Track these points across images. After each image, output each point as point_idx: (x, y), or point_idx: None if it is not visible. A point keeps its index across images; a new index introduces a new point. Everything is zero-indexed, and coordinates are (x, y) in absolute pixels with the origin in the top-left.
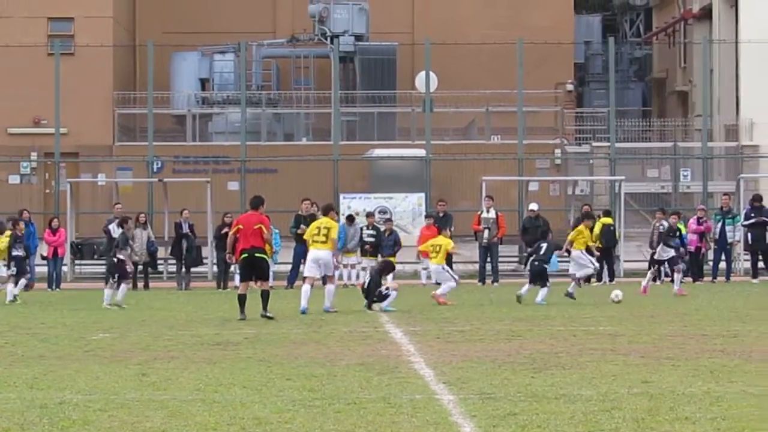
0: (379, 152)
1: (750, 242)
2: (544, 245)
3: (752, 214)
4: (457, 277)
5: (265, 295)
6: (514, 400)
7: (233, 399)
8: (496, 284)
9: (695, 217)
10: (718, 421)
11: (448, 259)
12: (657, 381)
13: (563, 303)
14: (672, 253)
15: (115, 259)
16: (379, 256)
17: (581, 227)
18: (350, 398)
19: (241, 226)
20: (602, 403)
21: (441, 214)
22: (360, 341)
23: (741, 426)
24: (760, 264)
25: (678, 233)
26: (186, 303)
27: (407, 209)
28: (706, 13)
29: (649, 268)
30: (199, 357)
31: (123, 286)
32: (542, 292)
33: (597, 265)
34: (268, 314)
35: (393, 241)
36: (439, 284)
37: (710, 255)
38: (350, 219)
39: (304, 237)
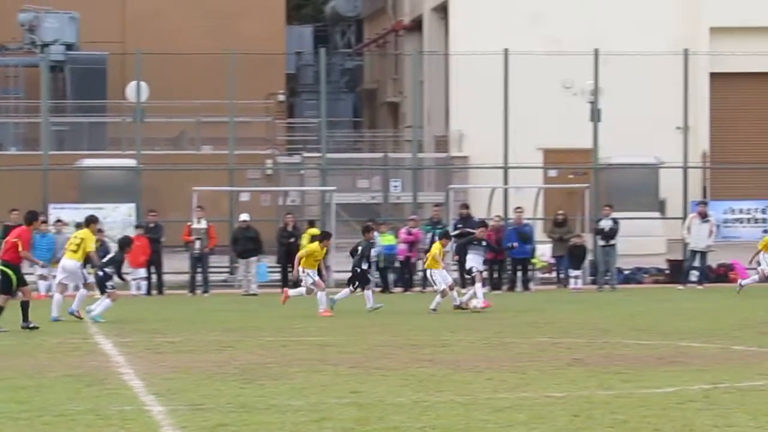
0: (89, 162)
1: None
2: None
3: (459, 225)
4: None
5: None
6: (224, 411)
7: None
8: (206, 294)
9: (406, 227)
10: (427, 430)
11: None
12: (366, 391)
13: (277, 315)
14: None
15: None
16: None
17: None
18: (59, 410)
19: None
20: (312, 413)
21: (152, 225)
22: (69, 352)
23: None
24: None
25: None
26: None
27: (118, 220)
28: (417, 25)
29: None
30: None
31: None
32: (343, 294)
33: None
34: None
35: (104, 253)
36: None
37: (420, 266)
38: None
39: None
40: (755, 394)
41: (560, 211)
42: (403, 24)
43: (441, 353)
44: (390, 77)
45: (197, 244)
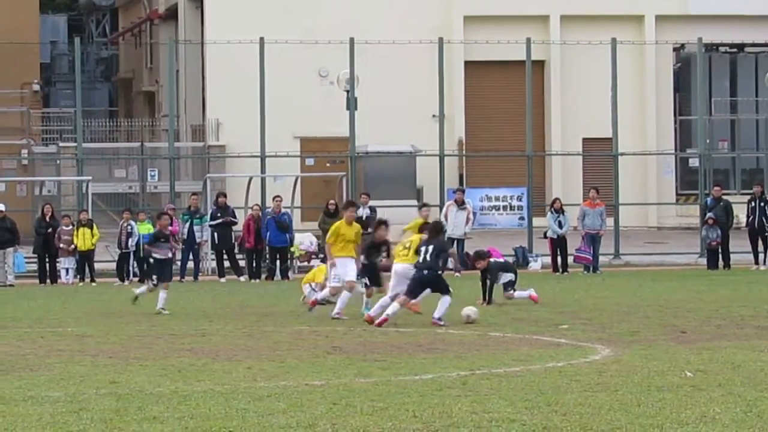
0: None
1: (216, 242)
2: None
3: (218, 214)
4: None
5: None
6: None
7: None
8: None
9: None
10: (186, 419)
11: None
12: (125, 381)
13: (34, 306)
14: None
15: None
16: None
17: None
18: None
19: None
20: (70, 404)
21: None
22: None
23: (209, 424)
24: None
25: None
26: None
27: None
28: (173, 14)
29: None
30: None
31: None
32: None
33: None
34: None
35: None
36: None
37: (179, 255)
38: None
39: None
40: (512, 380)
41: (331, 201)
42: (158, 13)
43: (200, 343)
44: (146, 66)
45: None
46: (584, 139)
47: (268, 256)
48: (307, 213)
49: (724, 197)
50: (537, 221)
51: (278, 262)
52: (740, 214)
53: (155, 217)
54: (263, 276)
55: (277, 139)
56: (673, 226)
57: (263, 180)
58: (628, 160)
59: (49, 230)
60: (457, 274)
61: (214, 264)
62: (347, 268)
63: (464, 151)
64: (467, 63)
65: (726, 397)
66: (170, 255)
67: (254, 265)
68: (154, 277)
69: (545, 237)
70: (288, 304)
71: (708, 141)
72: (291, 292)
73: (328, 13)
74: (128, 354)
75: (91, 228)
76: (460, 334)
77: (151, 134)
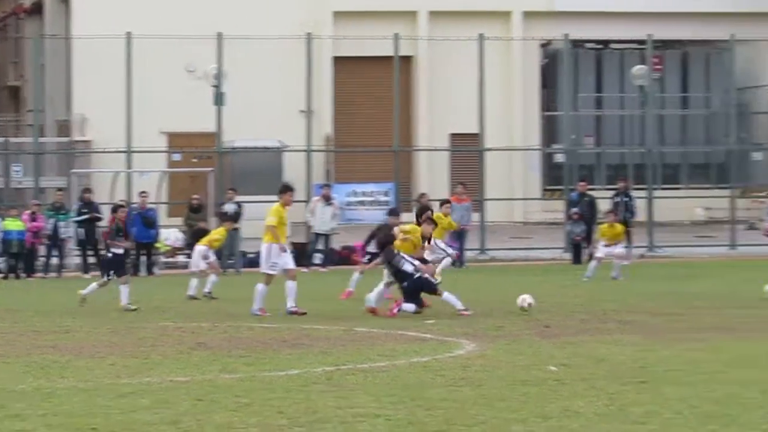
0: None
1: (82, 238)
2: None
3: (84, 210)
4: None
5: None
6: None
7: None
8: None
9: (28, 212)
10: (49, 416)
11: None
12: None
13: None
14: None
15: None
16: None
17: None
18: None
19: None
20: None
21: None
22: None
23: (72, 421)
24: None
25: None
26: None
27: None
28: (38, 8)
29: None
30: None
31: None
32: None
33: None
34: None
35: None
36: None
37: (43, 251)
38: None
39: None
40: (377, 375)
41: (195, 196)
42: (24, 7)
43: (64, 339)
44: (10, 61)
45: None
46: (451, 135)
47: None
48: (173, 209)
49: (589, 192)
50: (404, 216)
51: (144, 257)
52: (604, 209)
53: (111, 210)
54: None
55: (143, 134)
56: (539, 221)
57: (129, 175)
58: (494, 155)
59: None
60: (323, 269)
61: (78, 260)
62: (286, 257)
63: (332, 147)
64: (336, 58)
65: (589, 391)
66: (125, 250)
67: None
68: (111, 272)
69: None
70: (153, 300)
71: (574, 137)
72: (157, 287)
73: (196, 7)
74: None
75: None
76: (326, 329)
77: (16, 129)
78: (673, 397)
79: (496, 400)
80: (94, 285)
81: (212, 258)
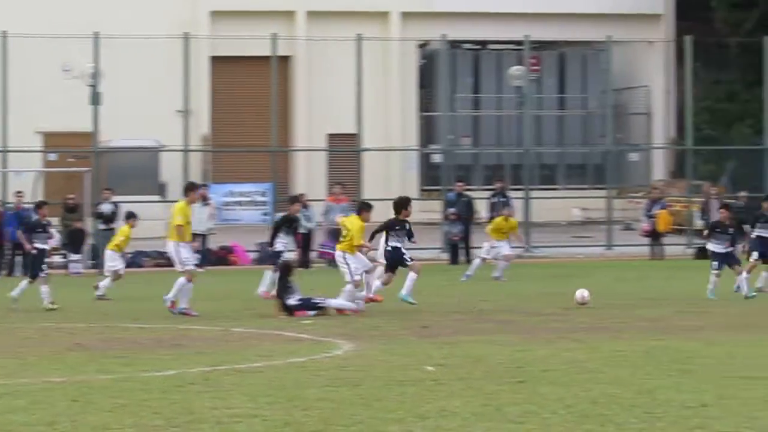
0: None
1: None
2: None
3: None
4: None
5: None
6: None
7: None
8: None
9: None
10: None
11: None
12: None
13: None
14: None
15: None
16: None
17: None
18: None
19: None
20: None
21: None
22: None
23: None
24: None
25: None
26: None
27: None
28: None
29: None
30: None
31: None
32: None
33: None
34: None
35: None
36: None
37: None
38: None
39: None
40: (254, 375)
41: (70, 196)
42: None
43: None
44: None
45: None
46: (329, 135)
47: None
48: (50, 209)
49: (466, 193)
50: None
51: (20, 258)
52: (482, 209)
53: (35, 206)
54: (2, 272)
55: (19, 134)
56: (416, 222)
57: (4, 175)
58: (372, 155)
59: None
60: (200, 269)
61: None
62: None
63: (209, 147)
64: (213, 58)
65: (466, 391)
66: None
67: None
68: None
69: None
70: (34, 301)
71: (451, 137)
72: (35, 288)
73: (73, 6)
74: None
75: None
76: (204, 329)
77: None
78: (551, 397)
79: (373, 400)
80: (24, 284)
81: (120, 265)
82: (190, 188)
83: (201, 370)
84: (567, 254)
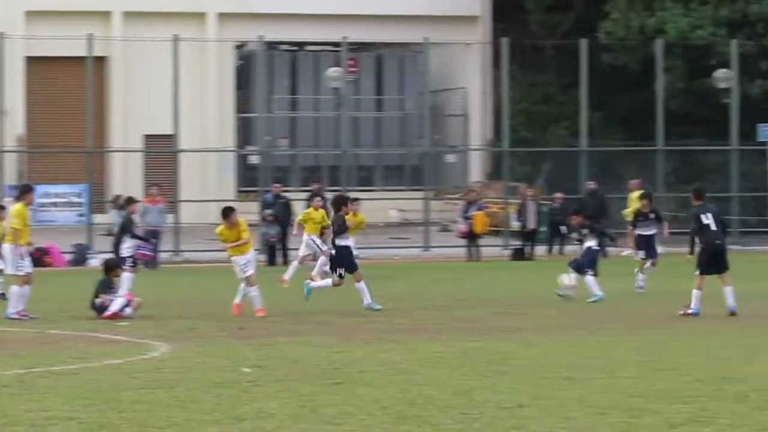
0: None
1: None
2: None
3: None
4: None
5: None
6: None
7: None
8: None
9: None
10: None
11: None
12: None
13: None
14: None
15: None
16: None
17: None
18: None
19: None
20: None
21: None
22: None
23: None
24: None
25: None
26: None
27: None
28: None
29: None
30: None
31: None
32: None
33: None
34: None
35: None
36: None
37: None
38: None
39: None
40: (69, 378)
41: None
42: None
43: None
44: None
45: None
46: (146, 136)
47: None
48: None
49: (284, 194)
50: (98, 218)
51: None
52: (299, 210)
53: None
54: None
55: None
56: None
57: None
58: (188, 156)
59: None
60: None
61: None
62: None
63: (24, 147)
64: (29, 58)
65: (283, 393)
66: None
67: None
68: None
69: (110, 234)
70: None
71: (268, 138)
72: None
73: None
74: None
75: None
76: (18, 331)
77: None
78: (368, 398)
79: (189, 402)
80: None
81: None
82: (25, 190)
83: (16, 372)
84: (384, 255)
